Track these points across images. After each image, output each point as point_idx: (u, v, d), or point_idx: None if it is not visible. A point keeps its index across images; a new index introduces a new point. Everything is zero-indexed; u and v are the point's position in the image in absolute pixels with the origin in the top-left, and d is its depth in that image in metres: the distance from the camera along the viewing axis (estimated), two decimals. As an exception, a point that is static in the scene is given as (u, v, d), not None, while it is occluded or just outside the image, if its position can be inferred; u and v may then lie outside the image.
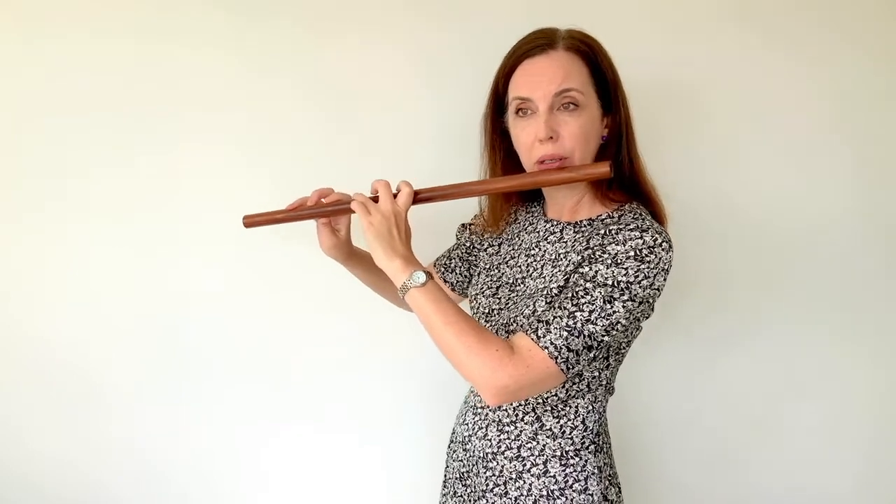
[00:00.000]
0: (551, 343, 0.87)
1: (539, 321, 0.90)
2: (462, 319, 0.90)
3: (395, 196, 0.97)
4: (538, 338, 0.88)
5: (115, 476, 1.50)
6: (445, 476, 1.20)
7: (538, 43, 0.95)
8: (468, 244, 1.22)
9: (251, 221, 1.11)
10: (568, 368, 0.89)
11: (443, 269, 1.24)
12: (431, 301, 0.90)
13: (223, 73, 1.37)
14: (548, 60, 0.94)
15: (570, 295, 0.89)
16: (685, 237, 1.47)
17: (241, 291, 1.45)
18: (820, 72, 1.42)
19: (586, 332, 0.88)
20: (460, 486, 1.13)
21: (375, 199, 0.97)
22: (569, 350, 0.88)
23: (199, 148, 1.40)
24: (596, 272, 0.89)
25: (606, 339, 0.89)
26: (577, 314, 0.88)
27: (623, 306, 0.88)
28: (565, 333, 0.87)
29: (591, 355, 0.90)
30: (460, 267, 1.23)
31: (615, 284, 0.88)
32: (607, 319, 0.88)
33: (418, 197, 0.99)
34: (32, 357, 1.44)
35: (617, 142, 1.00)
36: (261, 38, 1.37)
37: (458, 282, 1.23)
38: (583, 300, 0.88)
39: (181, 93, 1.37)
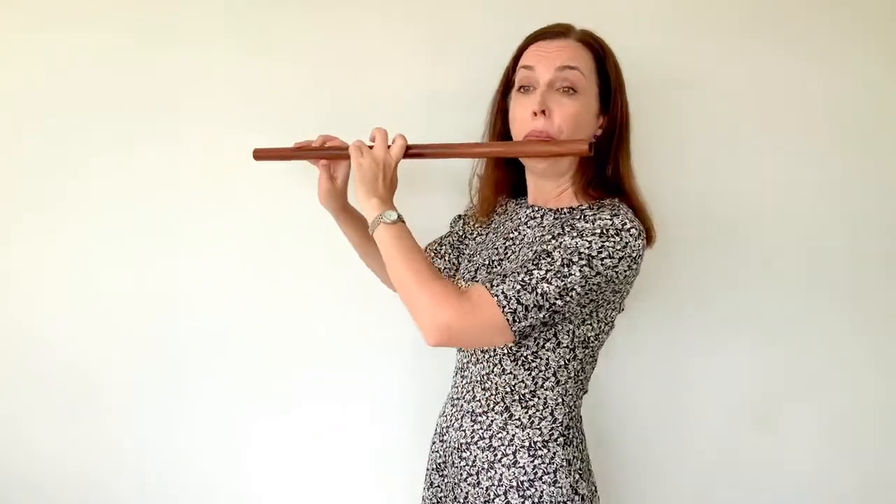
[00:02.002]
0: (502, 292, 0.89)
1: (497, 275, 0.93)
2: (420, 259, 0.94)
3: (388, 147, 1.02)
4: (491, 286, 0.91)
5: (115, 476, 1.50)
6: (427, 467, 1.21)
7: (553, 29, 1.02)
8: (461, 233, 1.25)
9: (261, 154, 1.20)
10: (514, 321, 0.89)
11: (432, 254, 1.26)
12: (395, 237, 0.95)
13: (224, 72, 1.37)
14: (559, 42, 1.00)
15: (530, 257, 0.93)
16: (683, 233, 1.47)
17: (241, 291, 1.45)
18: (823, 71, 1.41)
19: (539, 290, 0.89)
20: (437, 476, 1.15)
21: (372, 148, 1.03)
22: (518, 303, 0.89)
23: (200, 147, 1.40)
24: (560, 242, 0.92)
25: (559, 302, 0.90)
26: (535, 272, 0.90)
27: (580, 271, 0.89)
28: (518, 287, 0.89)
29: (541, 316, 0.90)
30: (450, 254, 1.25)
31: (575, 251, 0.90)
32: (562, 281, 0.89)
33: (410, 151, 1.04)
34: (32, 357, 1.44)
35: (608, 143, 1.03)
36: (261, 33, 1.37)
37: (445, 268, 1.25)
38: (541, 261, 0.91)
39: (181, 93, 1.37)
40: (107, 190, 1.39)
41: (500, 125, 1.10)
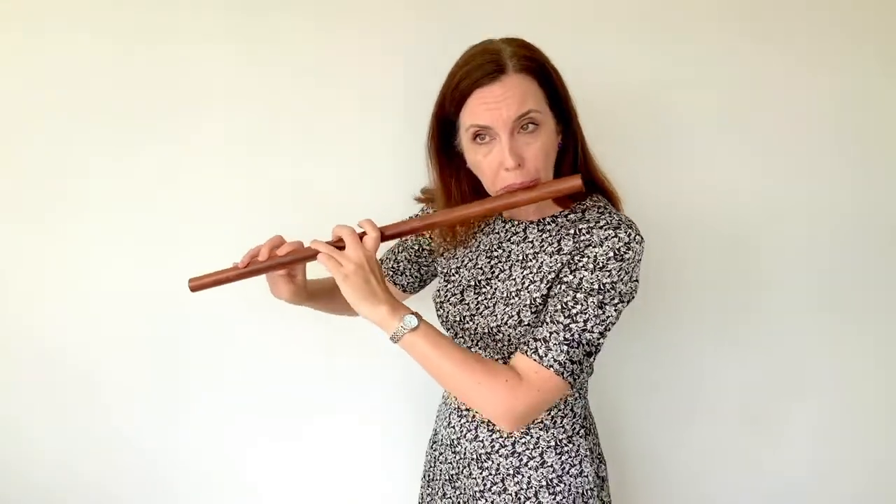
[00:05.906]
0: (554, 360, 0.90)
1: (536, 340, 0.91)
2: (464, 355, 0.91)
3: (361, 238, 0.93)
4: (540, 358, 0.90)
5: (115, 476, 1.50)
6: (429, 476, 1.20)
7: (488, 70, 0.90)
8: (416, 247, 1.20)
9: (197, 285, 0.99)
10: (574, 379, 0.92)
11: (391, 273, 1.22)
12: (430, 344, 0.90)
13: (223, 73, 1.37)
14: (502, 88, 0.89)
15: (559, 307, 0.91)
16: (689, 238, 1.47)
17: (241, 292, 1.43)
18: (815, 71, 1.42)
19: (584, 341, 0.90)
20: (450, 488, 1.14)
21: (338, 245, 0.93)
22: (572, 363, 0.90)
23: (200, 148, 1.39)
24: (581, 279, 0.91)
25: (602, 340, 0.92)
26: (573, 326, 0.90)
27: (614, 308, 0.92)
28: (565, 347, 0.90)
29: (592, 360, 0.93)
30: (410, 269, 1.21)
31: (602, 289, 0.90)
32: (602, 325, 0.91)
33: (385, 235, 0.96)
34: (33, 357, 1.44)
35: (573, 147, 0.99)
36: (260, 35, 1.36)
37: (408, 283, 1.22)
38: (574, 310, 0.90)
39: (181, 93, 1.37)
40: (107, 190, 1.39)
41: (453, 168, 1.01)
